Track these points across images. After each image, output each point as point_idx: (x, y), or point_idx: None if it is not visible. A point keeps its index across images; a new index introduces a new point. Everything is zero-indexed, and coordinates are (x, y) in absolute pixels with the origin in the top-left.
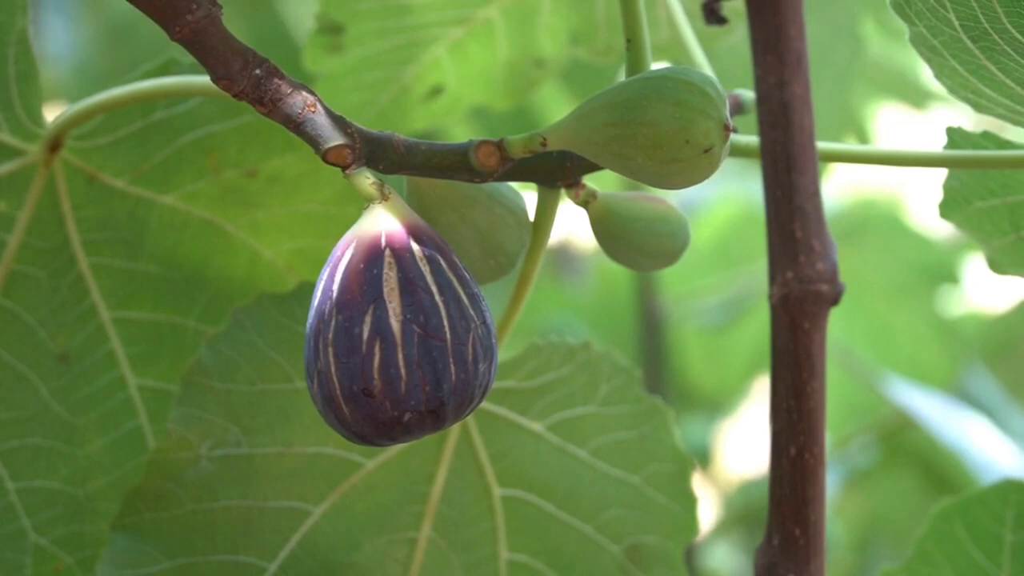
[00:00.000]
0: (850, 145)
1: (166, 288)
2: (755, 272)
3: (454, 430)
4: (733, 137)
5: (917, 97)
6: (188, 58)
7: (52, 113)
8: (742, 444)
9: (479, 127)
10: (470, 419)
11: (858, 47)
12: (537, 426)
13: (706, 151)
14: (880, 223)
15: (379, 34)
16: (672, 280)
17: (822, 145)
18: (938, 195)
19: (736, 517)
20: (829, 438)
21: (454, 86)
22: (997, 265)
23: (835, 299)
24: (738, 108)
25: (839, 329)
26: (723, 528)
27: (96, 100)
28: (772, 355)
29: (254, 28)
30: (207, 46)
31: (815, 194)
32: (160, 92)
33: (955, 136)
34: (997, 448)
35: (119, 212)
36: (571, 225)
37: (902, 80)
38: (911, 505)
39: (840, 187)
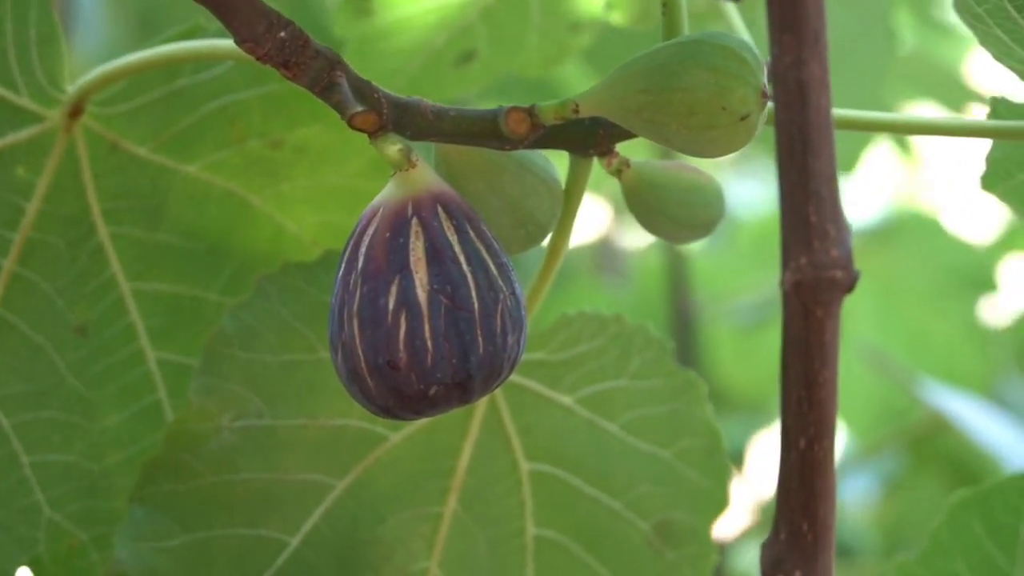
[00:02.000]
0: (888, 114)
1: (187, 260)
2: None
3: (481, 403)
4: (770, 105)
5: (954, 97)
6: (214, 24)
7: None
8: (775, 446)
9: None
10: (498, 392)
11: (891, 41)
12: (567, 399)
13: (743, 118)
14: (918, 228)
15: None
16: (708, 278)
17: (867, 114)
18: (980, 167)
19: (770, 519)
20: (861, 442)
21: (486, 52)
22: None
23: (850, 286)
24: None
25: (875, 332)
26: (756, 531)
27: (119, 64)
28: (783, 344)
29: None
30: (231, 7)
31: (831, 178)
32: (185, 55)
33: (999, 107)
34: None
35: (141, 181)
36: (613, 223)
37: (940, 78)
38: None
39: (877, 192)
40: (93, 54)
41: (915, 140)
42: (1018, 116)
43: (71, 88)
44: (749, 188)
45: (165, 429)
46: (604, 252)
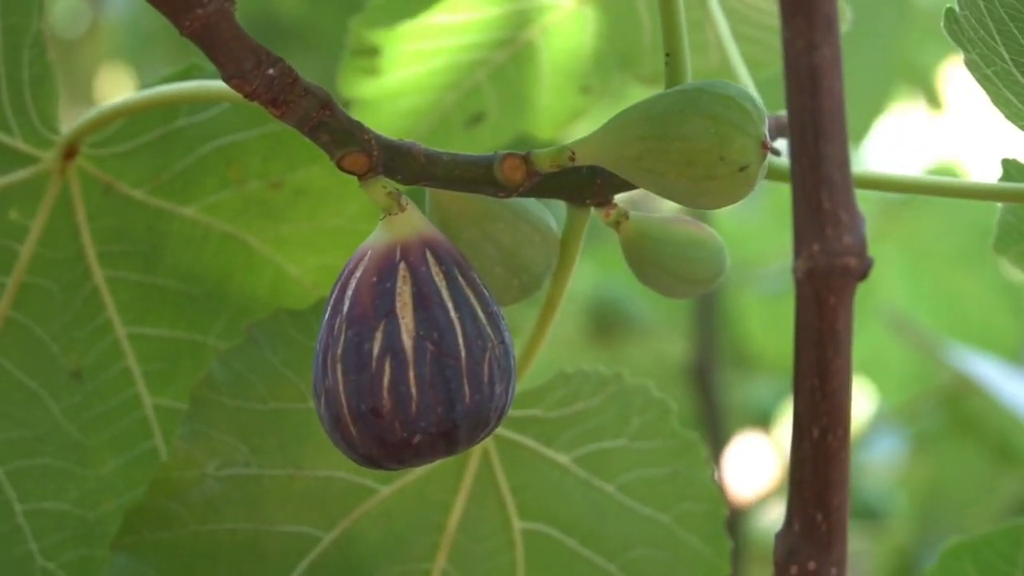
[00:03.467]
0: (894, 174)
1: (185, 304)
2: None
3: (474, 458)
4: (772, 160)
5: None
6: (212, 64)
7: (107, 75)
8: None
9: None
10: (491, 447)
11: (904, 3)
12: (563, 458)
13: (742, 169)
14: None
15: (417, 57)
16: (736, 242)
17: (863, 172)
18: (994, 230)
19: None
20: (890, 405)
21: (495, 113)
22: None
23: (863, 274)
24: (780, 131)
25: (904, 296)
26: (780, 492)
27: (113, 105)
28: (796, 332)
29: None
30: (218, 42)
31: (844, 164)
32: (181, 97)
33: (1010, 168)
34: None
35: (137, 223)
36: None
37: None
38: (974, 474)
39: (901, 153)
40: (122, 23)
41: (944, 92)
42: None
43: (65, 129)
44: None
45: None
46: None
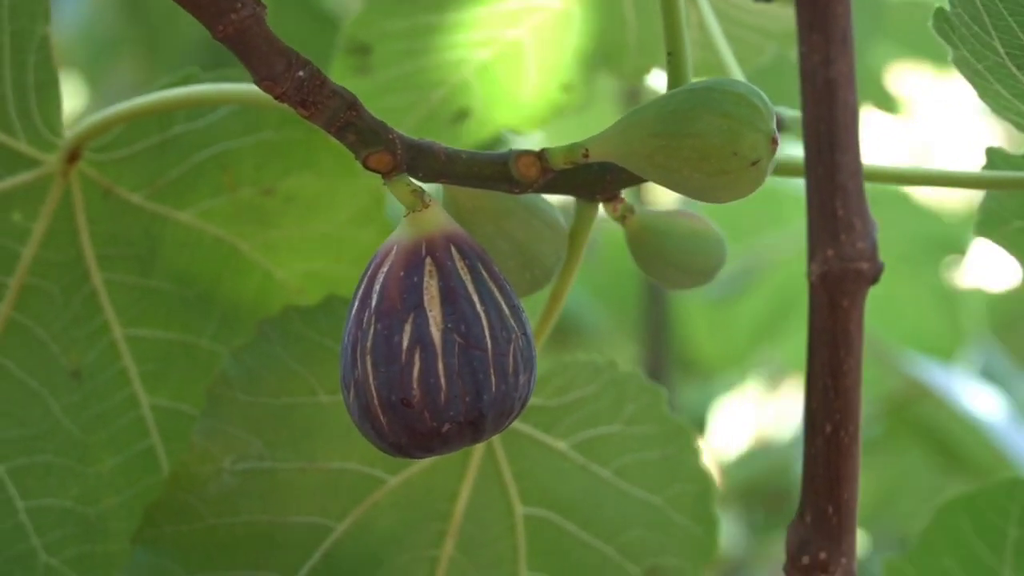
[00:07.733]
0: (888, 165)
1: (179, 306)
2: (762, 245)
3: (479, 447)
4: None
5: (937, 53)
6: (207, 73)
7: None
8: (741, 415)
9: None
10: (495, 436)
11: (879, 11)
12: (562, 444)
13: (753, 163)
14: (882, 195)
15: (406, 55)
16: None
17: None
18: (976, 216)
19: (734, 489)
20: None
21: (480, 110)
22: None
23: (874, 278)
24: (779, 125)
25: None
26: (721, 500)
27: (116, 110)
28: (809, 333)
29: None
30: (250, 46)
31: (857, 173)
32: (182, 101)
33: (995, 157)
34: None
35: (134, 228)
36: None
37: (920, 35)
38: (920, 482)
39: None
40: (72, 32)
41: (900, 99)
42: (1013, 167)
43: (68, 133)
44: None
45: (158, 478)
46: None
